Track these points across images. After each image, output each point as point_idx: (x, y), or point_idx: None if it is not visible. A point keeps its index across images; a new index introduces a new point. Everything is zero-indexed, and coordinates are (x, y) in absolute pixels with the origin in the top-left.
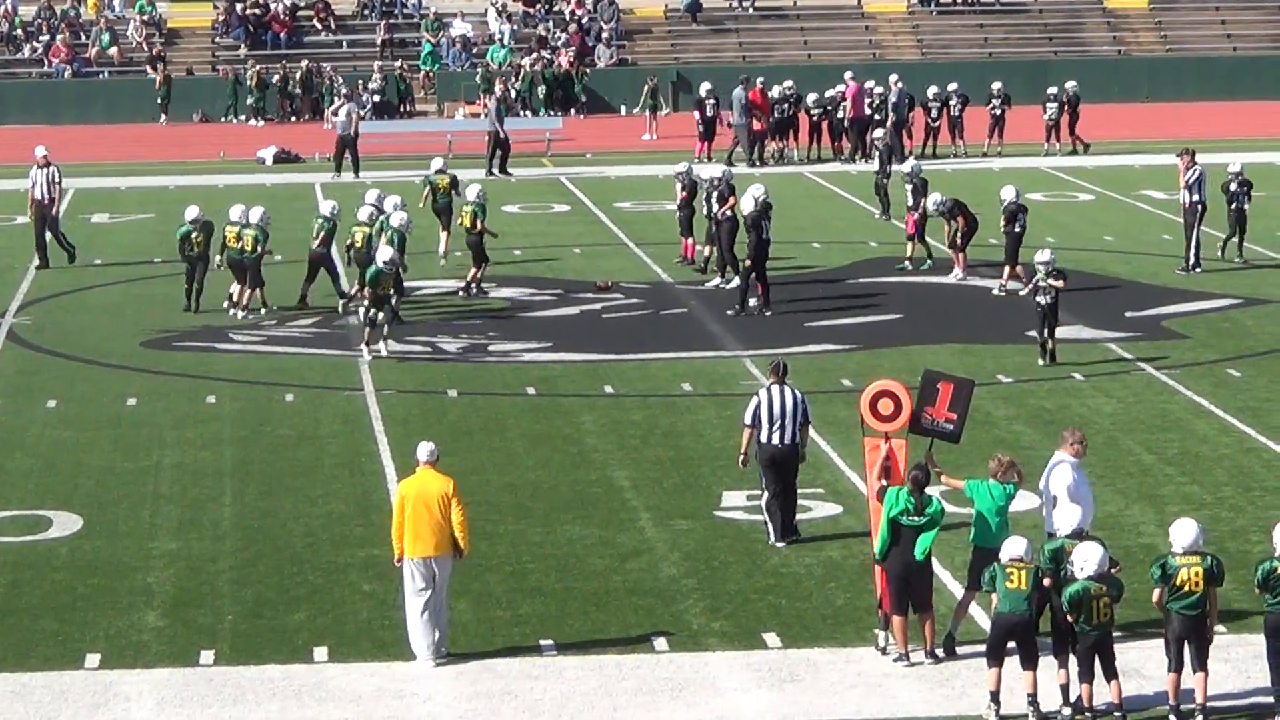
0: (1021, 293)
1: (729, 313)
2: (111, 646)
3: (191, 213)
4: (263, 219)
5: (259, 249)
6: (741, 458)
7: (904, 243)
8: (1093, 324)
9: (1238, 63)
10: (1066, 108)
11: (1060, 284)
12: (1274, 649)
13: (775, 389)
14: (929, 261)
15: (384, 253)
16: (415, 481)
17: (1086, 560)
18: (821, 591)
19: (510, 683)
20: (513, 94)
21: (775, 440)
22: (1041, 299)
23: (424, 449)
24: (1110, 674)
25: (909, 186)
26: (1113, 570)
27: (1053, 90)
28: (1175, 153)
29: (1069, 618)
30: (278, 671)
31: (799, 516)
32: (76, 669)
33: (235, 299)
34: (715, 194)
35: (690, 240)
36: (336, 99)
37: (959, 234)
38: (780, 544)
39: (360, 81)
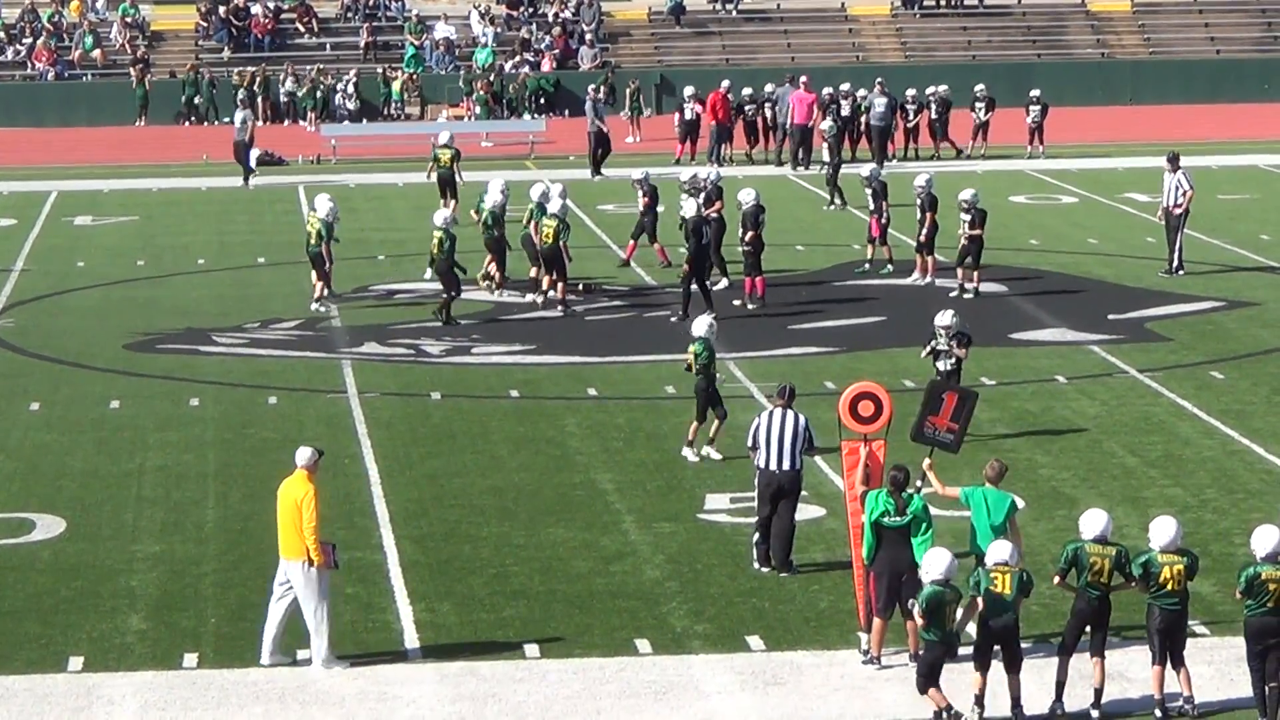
0: (922, 355)
1: (672, 318)
2: (94, 649)
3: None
4: (331, 213)
5: (324, 242)
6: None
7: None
8: (1076, 326)
9: (1221, 66)
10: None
11: (963, 352)
12: (1255, 653)
13: (778, 412)
14: (889, 266)
15: (701, 324)
16: (286, 485)
17: (931, 567)
18: (805, 594)
19: (494, 685)
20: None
21: (774, 466)
22: (941, 365)
23: (301, 454)
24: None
25: (868, 190)
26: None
27: (1035, 93)
28: (1165, 156)
29: (920, 622)
30: (261, 674)
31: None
32: (59, 672)
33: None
34: (702, 195)
35: (655, 244)
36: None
37: (927, 232)
38: (765, 569)
39: (252, 89)
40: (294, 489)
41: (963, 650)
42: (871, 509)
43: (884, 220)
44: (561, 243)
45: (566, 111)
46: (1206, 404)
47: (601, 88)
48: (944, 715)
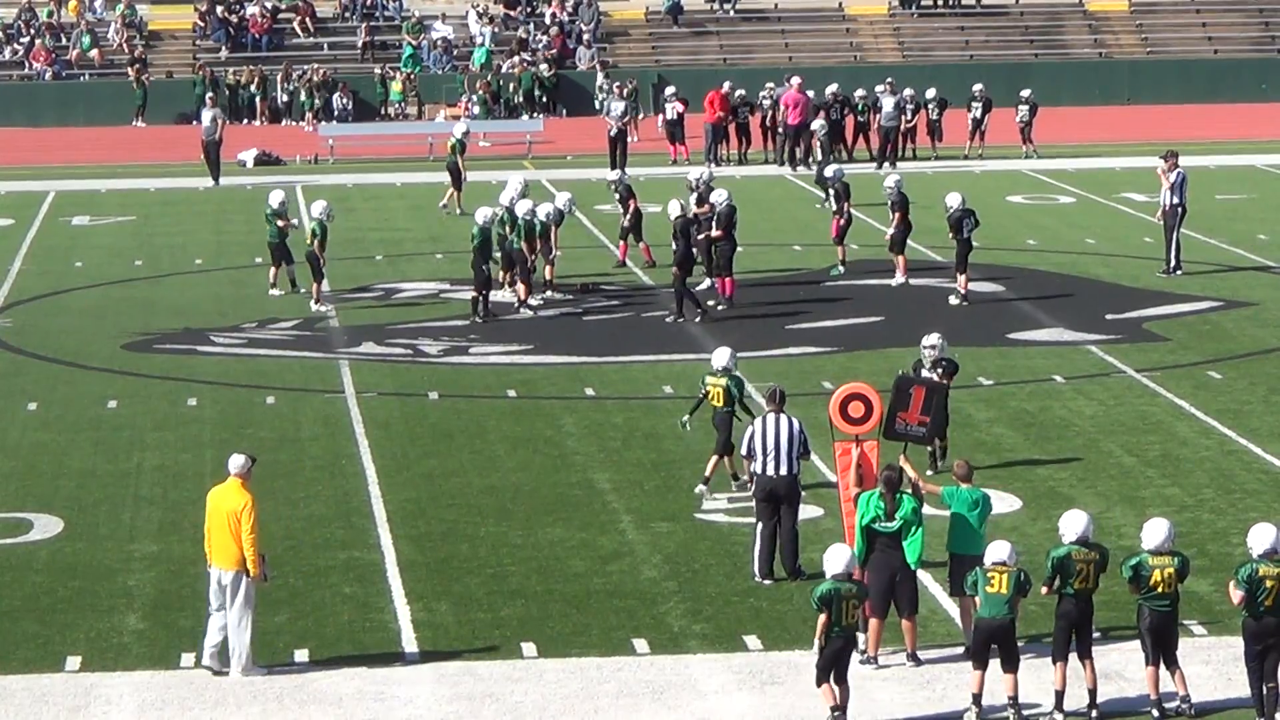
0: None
1: (682, 318)
2: (92, 649)
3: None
4: (324, 212)
5: (317, 241)
6: (745, 479)
7: (882, 245)
8: (1074, 326)
9: (1218, 65)
10: (985, 111)
11: (948, 382)
12: (1254, 652)
13: (771, 418)
14: (840, 268)
15: (721, 356)
16: (219, 493)
17: (831, 562)
18: (802, 593)
19: (491, 685)
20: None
21: (771, 471)
22: None
23: (234, 461)
24: (840, 679)
25: (831, 191)
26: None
27: (1025, 93)
28: (1160, 155)
29: (820, 618)
30: (258, 674)
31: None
32: (57, 672)
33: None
34: (695, 196)
35: (640, 243)
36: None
37: (898, 231)
38: (767, 581)
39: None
40: (230, 498)
41: (960, 649)
42: (863, 513)
43: (845, 221)
44: (522, 242)
45: (564, 111)
46: (1204, 404)
47: (627, 87)
48: (833, 714)
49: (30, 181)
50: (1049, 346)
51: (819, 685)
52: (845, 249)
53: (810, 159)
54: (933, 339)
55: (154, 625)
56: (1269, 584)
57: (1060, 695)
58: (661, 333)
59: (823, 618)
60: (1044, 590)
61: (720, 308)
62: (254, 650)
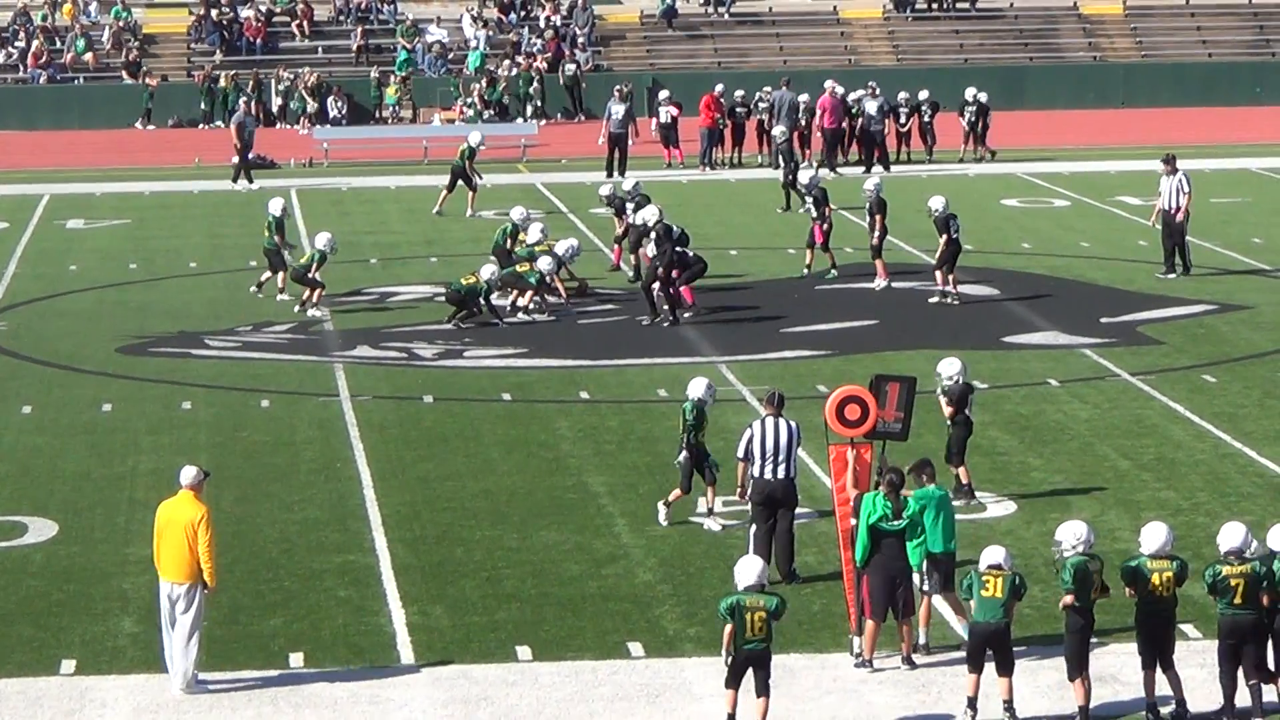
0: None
1: (645, 322)
2: (87, 652)
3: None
4: (328, 244)
5: (314, 265)
6: (740, 490)
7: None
8: (1068, 330)
9: (1213, 68)
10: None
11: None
12: (1227, 649)
13: (770, 421)
14: (833, 271)
15: (696, 387)
16: (171, 506)
17: (742, 573)
18: (797, 597)
19: (486, 689)
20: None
21: (769, 475)
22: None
23: (186, 473)
24: (762, 689)
25: (809, 198)
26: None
27: (982, 96)
28: (1160, 159)
29: (726, 628)
30: (253, 677)
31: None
32: (52, 675)
33: (303, 299)
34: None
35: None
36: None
37: (877, 235)
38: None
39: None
40: (185, 510)
41: (957, 653)
42: (869, 513)
43: (826, 227)
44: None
45: (559, 114)
46: (1199, 407)
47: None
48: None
49: (25, 184)
50: (1044, 350)
51: (725, 688)
52: (833, 253)
53: (835, 164)
54: (953, 367)
55: (149, 629)
56: (1234, 582)
57: (1084, 712)
58: (656, 336)
59: (728, 628)
60: (1067, 599)
61: (687, 315)
62: (199, 662)
